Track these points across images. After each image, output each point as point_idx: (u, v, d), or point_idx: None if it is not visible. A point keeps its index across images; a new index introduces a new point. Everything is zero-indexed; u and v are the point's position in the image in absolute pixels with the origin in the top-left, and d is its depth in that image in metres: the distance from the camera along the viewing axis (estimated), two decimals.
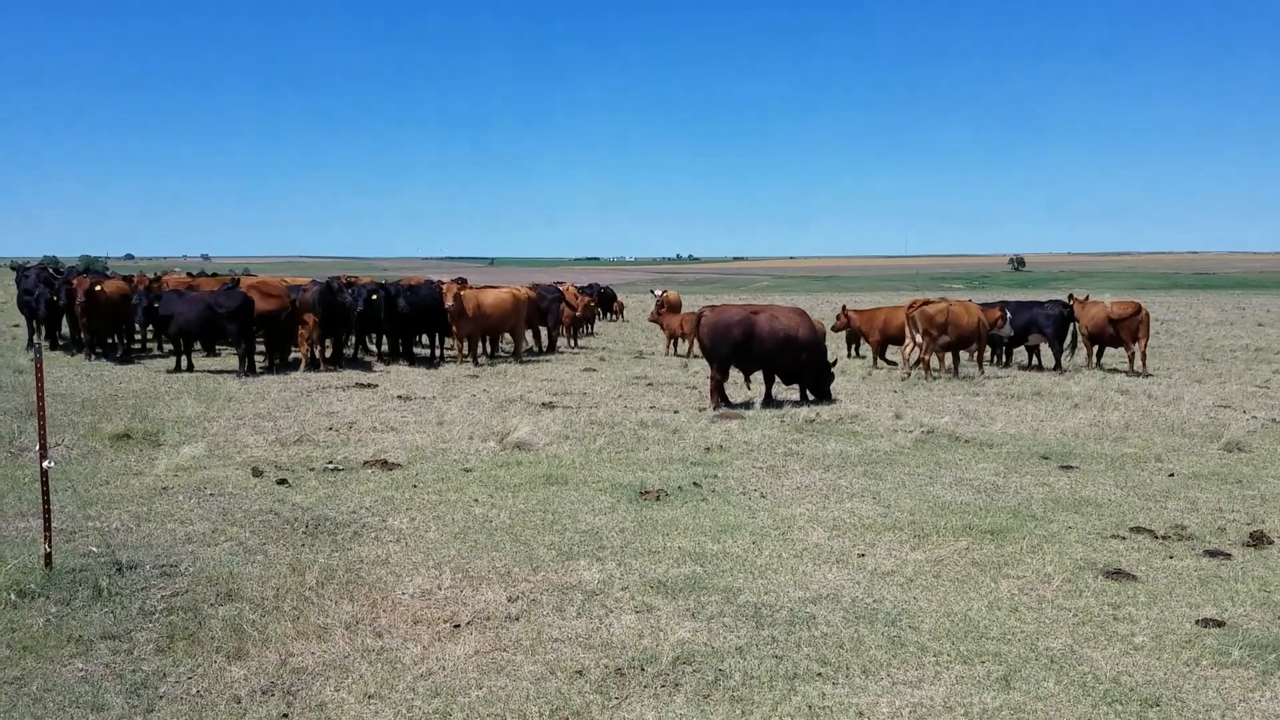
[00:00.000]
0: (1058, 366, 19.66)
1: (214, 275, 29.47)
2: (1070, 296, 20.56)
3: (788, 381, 14.78)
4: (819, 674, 5.14)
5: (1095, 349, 20.25)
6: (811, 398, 14.59)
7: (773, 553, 7.17)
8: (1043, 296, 24.23)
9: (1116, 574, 6.81)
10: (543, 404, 14.26)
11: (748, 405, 14.16)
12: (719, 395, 14.16)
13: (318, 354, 18.22)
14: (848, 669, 5.21)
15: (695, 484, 9.23)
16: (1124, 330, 19.18)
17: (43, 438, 6.37)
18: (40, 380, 6.37)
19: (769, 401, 14.34)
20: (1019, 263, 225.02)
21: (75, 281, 18.84)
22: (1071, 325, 19.81)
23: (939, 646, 5.51)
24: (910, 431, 12.13)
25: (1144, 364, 19.18)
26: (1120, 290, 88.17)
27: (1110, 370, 19.62)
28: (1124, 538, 7.73)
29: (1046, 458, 10.84)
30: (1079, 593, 6.45)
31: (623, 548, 7.27)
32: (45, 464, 6.29)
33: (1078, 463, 10.56)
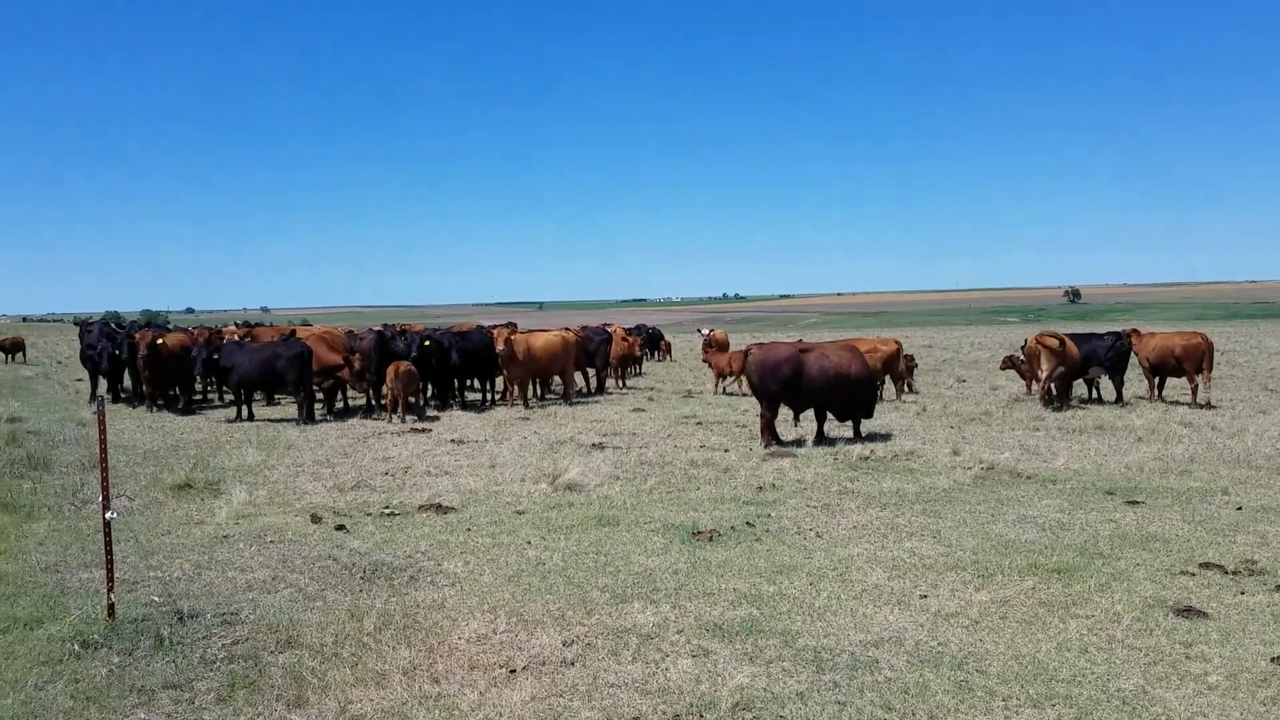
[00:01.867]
0: (1119, 399, 19.33)
1: (269, 325, 30.03)
2: (1134, 331, 20.34)
3: (840, 419, 14.64)
4: None
5: (1156, 380, 19.89)
6: (864, 434, 14.43)
7: (831, 594, 7.06)
8: (1100, 329, 23.89)
9: (1187, 611, 6.60)
10: (593, 445, 14.28)
11: (799, 443, 14.03)
12: (770, 433, 14.06)
13: (375, 401, 18.45)
14: (914, 715, 5.09)
15: (748, 524, 9.15)
16: (1187, 361, 18.87)
17: (105, 489, 6.50)
18: (103, 434, 6.51)
19: (821, 439, 14.20)
20: (1074, 295, 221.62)
21: (137, 335, 19.34)
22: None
23: (1008, 690, 5.36)
24: (969, 468, 11.93)
25: (1207, 395, 18.80)
26: (1179, 321, 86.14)
27: (1172, 402, 19.16)
28: (1193, 574, 7.50)
29: (1111, 493, 10.58)
30: (1149, 631, 6.26)
31: (677, 590, 7.21)
32: (108, 515, 6.42)
33: (1143, 498, 10.29)
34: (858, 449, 13.25)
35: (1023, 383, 21.67)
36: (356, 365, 17.98)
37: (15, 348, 35.48)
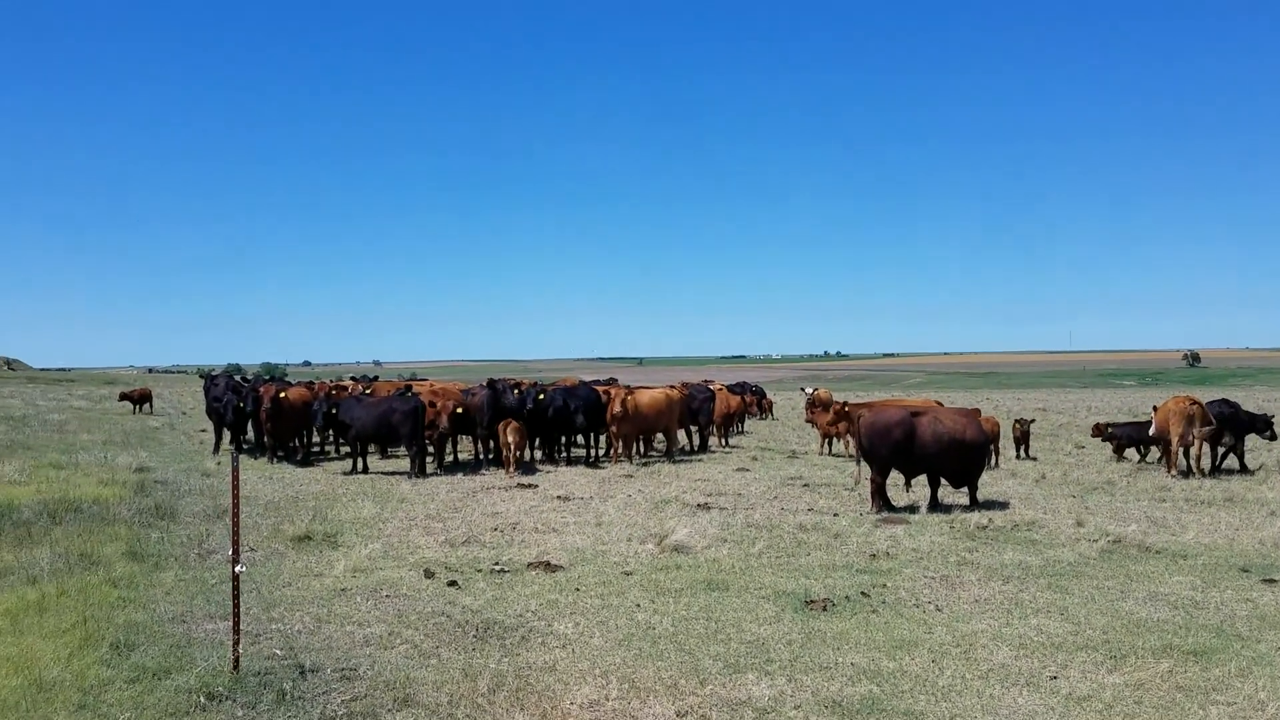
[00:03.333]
0: (1243, 469, 18.50)
1: (374, 379, 30.89)
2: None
3: (955, 485, 14.21)
4: None
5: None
6: (981, 501, 13.97)
7: (955, 673, 6.78)
8: (1219, 394, 22.91)
9: None
10: (698, 505, 14.17)
11: (912, 509, 13.66)
12: (880, 498, 13.74)
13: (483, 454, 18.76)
14: None
15: (863, 593, 8.90)
16: None
17: (236, 544, 6.71)
18: (236, 489, 6.74)
19: (935, 506, 13.80)
20: (1194, 358, 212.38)
21: (262, 389, 20.14)
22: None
23: None
24: (1095, 540, 11.40)
25: None
26: None
27: None
28: None
29: (1247, 570, 9.97)
30: None
31: (791, 661, 7.03)
32: (238, 569, 6.62)
33: None
34: (975, 517, 12.82)
35: (1115, 450, 20.94)
36: (442, 422, 18.31)
37: (143, 399, 37.33)
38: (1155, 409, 19.32)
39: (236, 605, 6.64)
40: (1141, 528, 12.25)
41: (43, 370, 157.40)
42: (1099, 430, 22.16)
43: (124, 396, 38.87)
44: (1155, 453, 20.60)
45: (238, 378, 24.58)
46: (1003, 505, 14.02)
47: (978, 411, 14.25)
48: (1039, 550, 11.01)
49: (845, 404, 20.87)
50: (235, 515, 6.72)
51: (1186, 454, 18.28)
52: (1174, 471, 17.97)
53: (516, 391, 19.51)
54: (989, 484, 15.78)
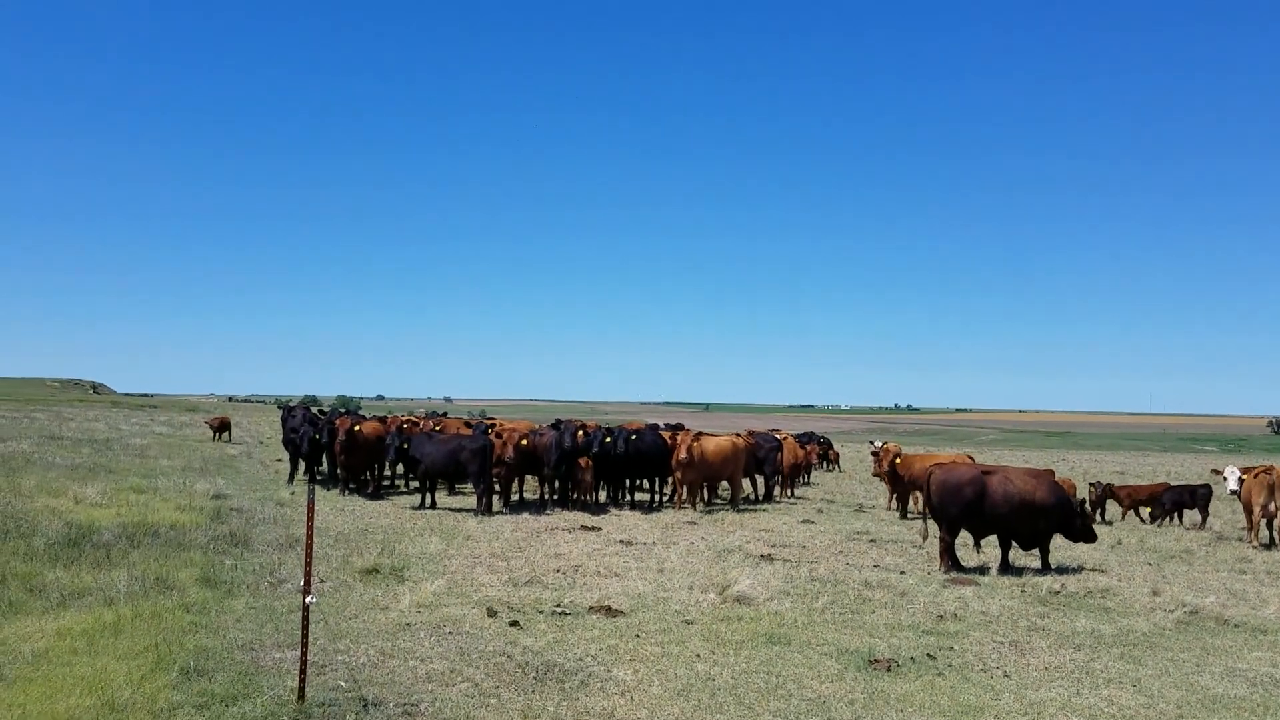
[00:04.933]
0: None
1: (443, 414, 31.31)
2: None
3: (1025, 548, 13.87)
4: None
5: None
6: (1054, 566, 13.61)
7: None
8: None
9: None
10: (761, 555, 14.05)
11: (982, 570, 13.36)
12: (949, 558, 13.47)
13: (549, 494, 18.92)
14: None
15: (929, 655, 8.72)
16: None
17: (308, 574, 6.88)
18: (310, 522, 6.91)
19: (1006, 568, 13.47)
20: (1279, 425, 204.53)
21: (338, 422, 20.60)
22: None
23: None
24: (1170, 611, 11.03)
25: None
26: None
27: None
28: None
29: None
30: None
31: None
32: (309, 600, 6.77)
33: None
34: (1047, 581, 12.49)
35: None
36: (507, 453, 18.58)
37: (223, 427, 38.40)
38: (1225, 480, 18.96)
39: (305, 636, 6.78)
40: (1220, 599, 11.81)
41: (126, 395, 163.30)
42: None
43: (208, 424, 40.15)
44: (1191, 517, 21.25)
45: (314, 409, 25.14)
46: (1076, 570, 13.64)
47: (1051, 472, 13.92)
48: (1112, 619, 10.68)
49: (898, 457, 20.60)
50: (309, 546, 6.89)
51: (1269, 525, 17.64)
52: (1255, 543, 17.32)
53: (582, 433, 19.64)
54: (1062, 548, 15.36)
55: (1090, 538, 13.81)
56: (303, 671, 6.70)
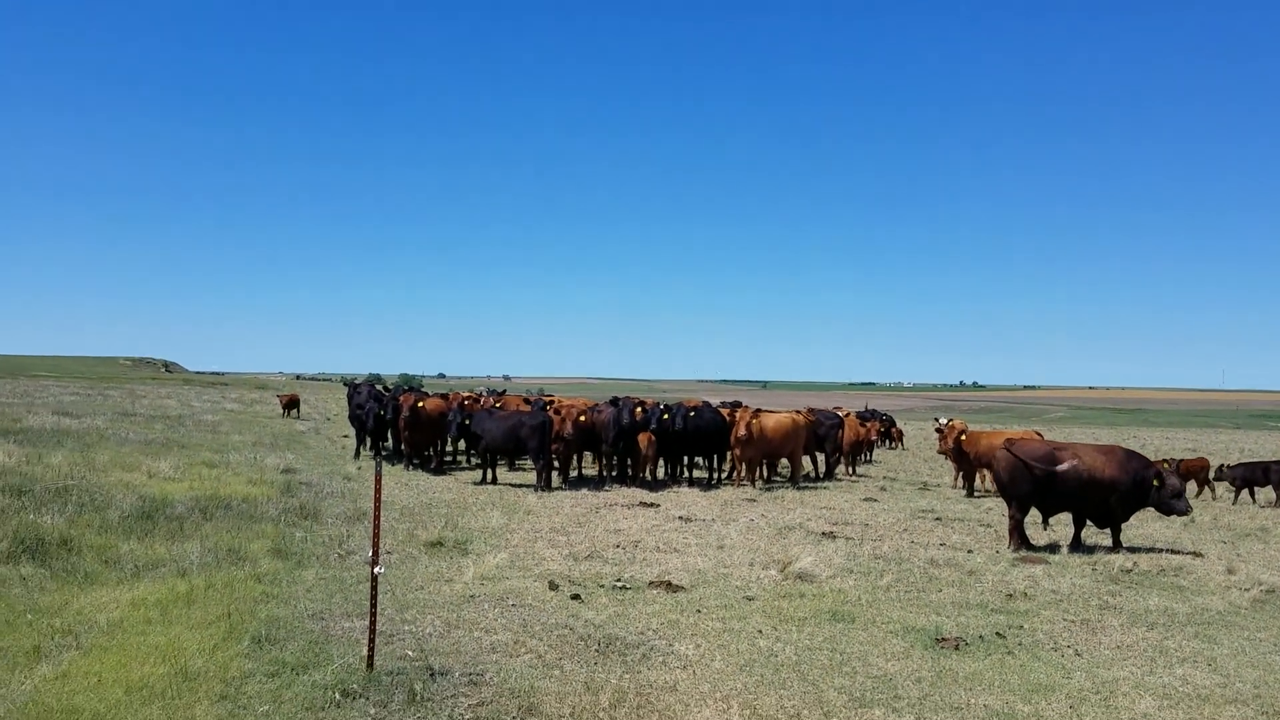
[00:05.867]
0: None
1: (503, 392, 31.51)
2: None
3: (1100, 525, 13.54)
4: None
5: None
6: (1125, 544, 13.25)
7: None
8: None
9: None
10: (823, 533, 13.92)
11: (1052, 549, 13.09)
12: (1019, 536, 13.21)
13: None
14: None
15: (998, 634, 8.56)
16: None
17: (376, 544, 6.96)
18: (378, 493, 6.99)
19: (1077, 546, 13.17)
20: None
21: (402, 398, 20.88)
22: None
23: None
24: (1247, 589, 10.69)
25: None
26: None
27: None
28: None
29: None
30: None
31: (921, 699, 6.81)
32: (377, 570, 6.85)
33: None
34: (1119, 559, 12.19)
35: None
36: (566, 429, 18.61)
37: (292, 404, 39.27)
38: None
39: (374, 606, 6.87)
40: None
41: (198, 373, 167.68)
42: (1219, 473, 21.55)
43: (279, 400, 41.14)
44: (1265, 494, 20.82)
45: (379, 386, 25.51)
46: (1148, 549, 13.29)
47: (1118, 449, 13.53)
48: (1186, 597, 10.38)
49: (963, 434, 20.22)
50: (376, 519, 6.96)
51: None
52: None
53: (640, 410, 19.63)
54: (1134, 526, 14.99)
55: (1179, 510, 13.18)
56: (371, 640, 6.79)
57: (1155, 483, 13.06)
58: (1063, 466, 13.02)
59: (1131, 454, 13.46)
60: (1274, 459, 20.67)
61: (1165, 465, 21.00)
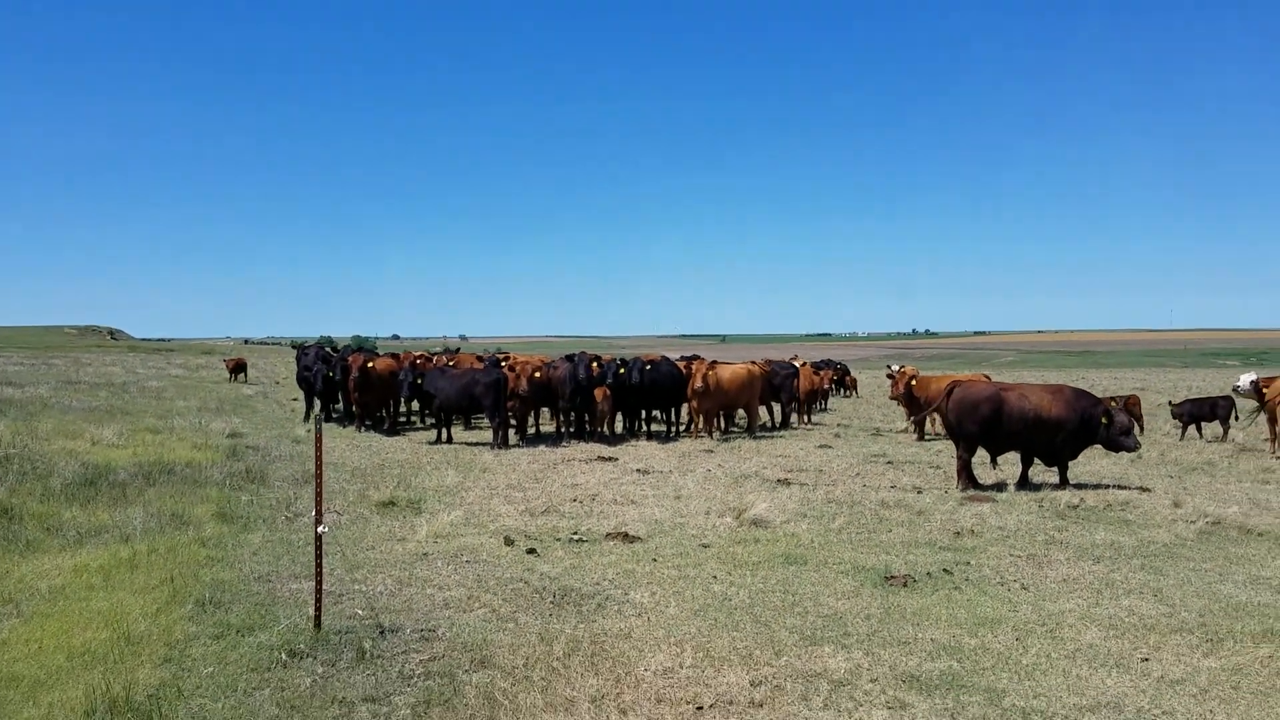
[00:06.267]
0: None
1: (457, 350, 31.22)
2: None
3: (1048, 463, 13.78)
4: None
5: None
6: (1072, 481, 13.50)
7: (1040, 651, 6.56)
8: None
9: None
10: (778, 480, 14.02)
11: (999, 487, 13.29)
12: (966, 476, 13.40)
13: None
14: None
15: (946, 570, 8.69)
16: None
17: (319, 505, 6.85)
18: (319, 453, 6.87)
19: (1024, 484, 13.40)
20: None
21: (350, 359, 20.57)
22: None
23: None
24: (1192, 522, 10.94)
25: None
26: None
27: None
28: None
29: None
30: None
31: (869, 635, 6.90)
32: (320, 529, 6.76)
33: None
34: (1065, 496, 12.41)
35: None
36: (521, 386, 18.47)
37: (239, 369, 38.63)
38: (1235, 388, 18.91)
39: (319, 564, 6.78)
40: (1243, 509, 11.71)
41: (144, 340, 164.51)
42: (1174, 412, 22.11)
43: (226, 365, 40.44)
44: (1212, 429, 21.22)
45: (327, 349, 25.13)
46: (1095, 485, 13.54)
47: (1066, 387, 13.73)
48: (1133, 531, 10.61)
49: (914, 379, 20.43)
50: (319, 479, 6.86)
51: None
52: (1278, 453, 17.17)
53: (596, 365, 19.55)
54: (1081, 463, 15.27)
55: (1126, 447, 13.43)
56: (318, 599, 6.71)
57: (1104, 420, 13.28)
58: (1010, 406, 13.19)
59: (1080, 392, 13.67)
60: (1220, 395, 21.10)
61: (1113, 403, 21.48)
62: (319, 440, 6.85)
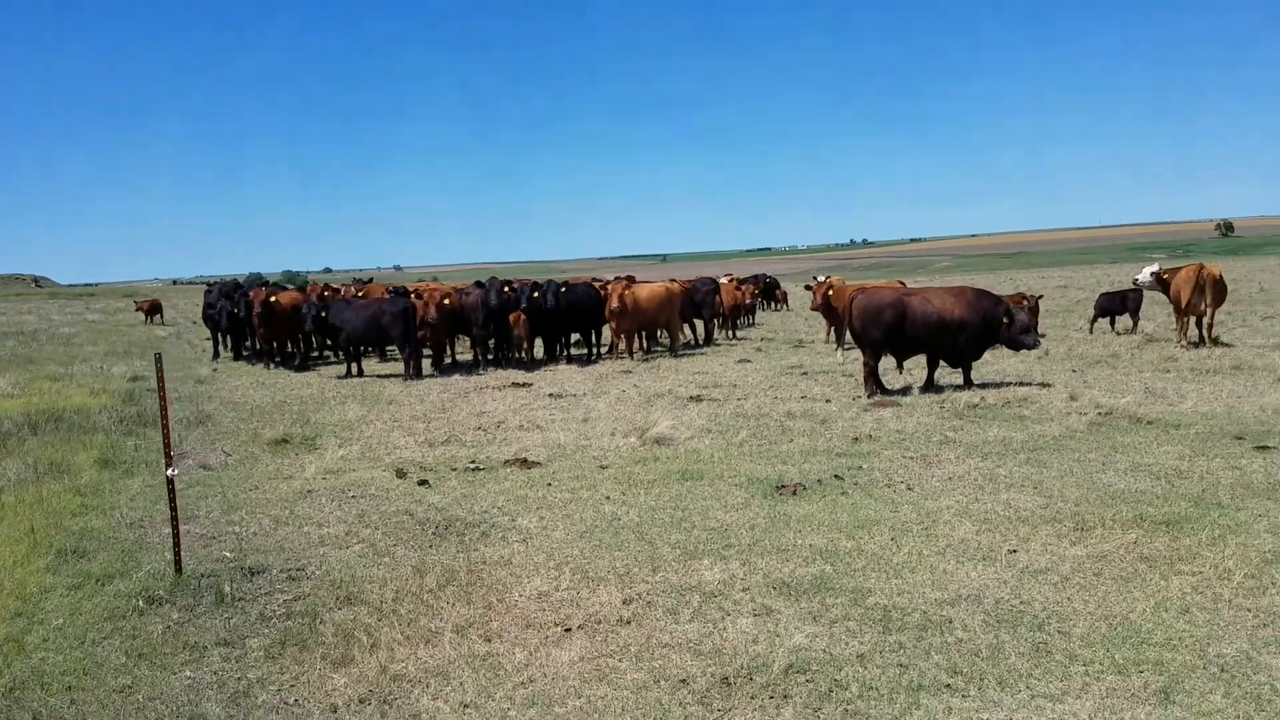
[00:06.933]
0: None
1: (368, 281, 30.57)
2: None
3: (952, 365, 13.91)
4: (947, 685, 4.63)
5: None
6: (977, 381, 13.65)
7: (912, 550, 6.60)
8: (1257, 264, 22.56)
9: None
10: (690, 397, 13.98)
11: (905, 391, 13.39)
12: (873, 382, 13.48)
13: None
14: (981, 680, 4.66)
15: (837, 476, 8.71)
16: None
17: (167, 447, 6.61)
18: (162, 389, 6.59)
19: (929, 387, 13.53)
20: (1227, 228, 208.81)
21: (252, 294, 19.98)
22: None
23: (1090, 654, 4.86)
24: (1085, 414, 11.12)
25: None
26: None
27: None
28: None
29: (1240, 438, 9.66)
30: (1263, 590, 5.60)
31: (750, 546, 6.88)
32: (170, 472, 6.53)
33: (1277, 443, 9.35)
34: (966, 396, 12.55)
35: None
36: (430, 314, 17.96)
37: (154, 310, 37.58)
38: (1136, 281, 19.28)
39: (174, 508, 6.56)
40: (1137, 399, 11.95)
41: (69, 286, 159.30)
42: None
43: (138, 307, 39.28)
44: (1124, 322, 21.81)
45: (235, 285, 24.40)
46: (998, 384, 13.72)
47: (968, 289, 13.80)
48: (1026, 426, 10.75)
49: (831, 289, 20.44)
50: (164, 417, 6.61)
51: (1199, 324, 17.81)
52: (1183, 341, 17.55)
53: (509, 290, 19.22)
54: (989, 362, 15.46)
55: (1026, 345, 13.58)
56: (176, 543, 6.50)
57: (1005, 320, 13.38)
58: (913, 311, 13.22)
59: (981, 293, 13.74)
60: (1130, 288, 21.45)
61: (1024, 300, 21.74)
62: (160, 378, 6.56)
